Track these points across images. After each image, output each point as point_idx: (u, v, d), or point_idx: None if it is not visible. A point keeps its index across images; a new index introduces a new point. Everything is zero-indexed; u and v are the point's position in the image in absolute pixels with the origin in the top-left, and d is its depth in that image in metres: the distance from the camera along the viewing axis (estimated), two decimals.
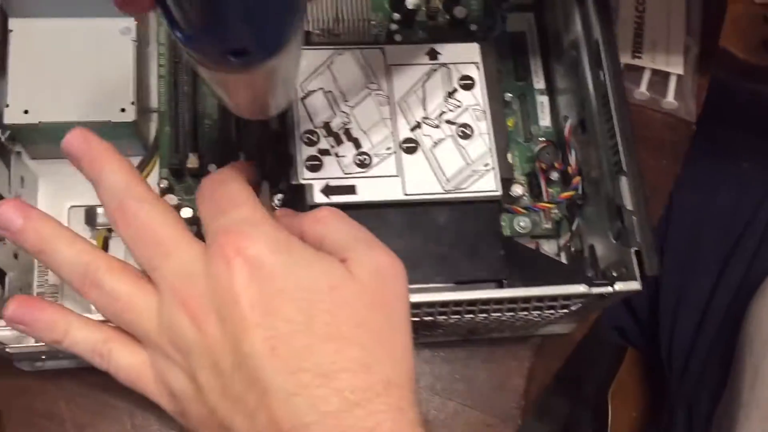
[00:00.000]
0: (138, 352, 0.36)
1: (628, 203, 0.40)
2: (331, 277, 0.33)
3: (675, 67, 0.53)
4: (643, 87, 0.53)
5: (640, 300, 0.68)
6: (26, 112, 0.42)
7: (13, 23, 0.43)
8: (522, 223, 0.46)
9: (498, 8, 0.50)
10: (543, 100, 0.50)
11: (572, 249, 0.46)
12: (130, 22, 0.44)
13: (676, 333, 0.67)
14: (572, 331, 0.48)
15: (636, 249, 0.39)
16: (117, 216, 0.35)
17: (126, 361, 0.36)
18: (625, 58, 0.53)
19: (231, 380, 0.32)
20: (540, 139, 0.49)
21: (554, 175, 0.47)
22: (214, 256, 0.32)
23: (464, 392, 0.46)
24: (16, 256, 0.41)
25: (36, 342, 0.39)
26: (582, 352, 0.67)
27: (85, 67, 0.43)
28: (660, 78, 0.53)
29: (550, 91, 0.50)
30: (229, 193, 0.35)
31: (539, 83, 0.50)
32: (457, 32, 0.49)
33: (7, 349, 0.39)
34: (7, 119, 0.41)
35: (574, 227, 0.46)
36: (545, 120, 0.50)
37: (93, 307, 0.40)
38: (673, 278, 0.65)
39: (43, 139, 0.43)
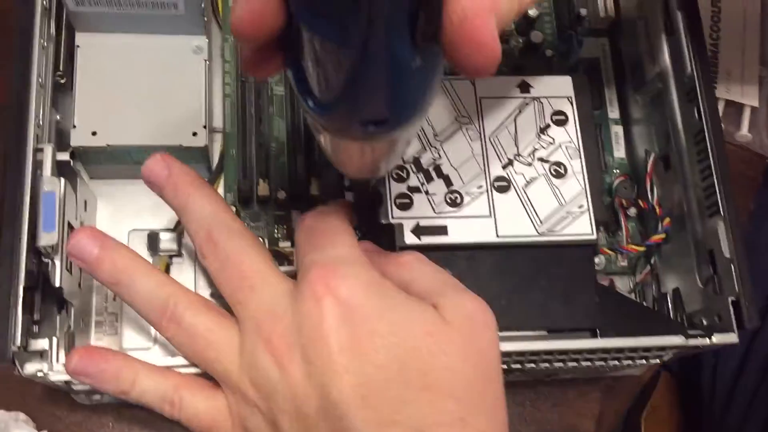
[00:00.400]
0: (213, 396, 0.34)
1: (726, 250, 0.38)
2: (426, 323, 0.31)
3: (750, 98, 0.52)
4: None
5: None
6: (94, 133, 0.39)
7: (81, 38, 0.41)
8: (597, 259, 0.45)
9: (574, 32, 0.48)
10: (617, 130, 0.48)
11: (653, 291, 0.44)
12: (202, 41, 0.42)
13: (721, 360, 0.65)
14: (642, 373, 0.46)
15: (733, 299, 0.38)
16: (205, 247, 0.34)
17: (200, 407, 0.34)
18: None
19: (315, 428, 0.30)
20: (615, 171, 0.47)
21: (632, 211, 0.45)
22: (304, 293, 0.31)
23: None
24: (80, 285, 0.39)
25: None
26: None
27: (155, 87, 0.41)
28: (734, 109, 0.52)
29: (625, 121, 0.48)
30: (328, 229, 0.33)
31: (613, 112, 0.49)
32: (533, 58, 0.47)
33: (74, 386, 0.37)
34: (74, 141, 0.39)
35: (650, 265, 0.45)
36: (620, 151, 0.48)
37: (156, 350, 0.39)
38: None
39: (109, 161, 0.41)
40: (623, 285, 0.46)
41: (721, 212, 0.39)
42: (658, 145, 0.45)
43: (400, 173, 0.37)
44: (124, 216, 0.43)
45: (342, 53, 0.22)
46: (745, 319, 0.37)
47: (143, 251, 0.42)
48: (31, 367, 0.33)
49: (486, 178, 0.38)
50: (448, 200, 0.37)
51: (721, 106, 0.52)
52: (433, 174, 0.37)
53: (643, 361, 0.38)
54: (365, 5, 0.20)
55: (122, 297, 0.35)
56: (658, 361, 0.38)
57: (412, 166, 0.37)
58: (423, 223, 0.36)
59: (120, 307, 0.42)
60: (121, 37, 0.41)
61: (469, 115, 0.38)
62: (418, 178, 0.37)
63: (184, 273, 0.42)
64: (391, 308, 0.31)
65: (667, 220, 0.42)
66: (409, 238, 0.36)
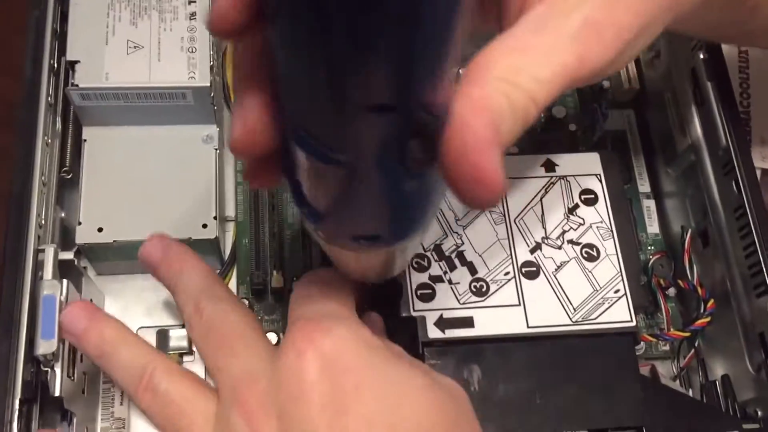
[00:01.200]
0: None
1: None
2: (416, 379, 0.29)
3: None
4: None
5: None
6: (100, 230, 0.38)
7: (87, 132, 0.39)
8: (637, 345, 0.42)
9: (597, 106, 0.46)
10: (650, 205, 0.46)
11: (700, 378, 0.41)
12: (213, 130, 0.40)
13: None
14: None
15: None
16: (192, 318, 0.33)
17: None
18: None
19: None
20: (650, 248, 0.44)
21: (671, 291, 0.43)
22: (286, 348, 0.29)
23: None
24: (83, 392, 0.37)
25: None
26: None
27: (164, 179, 0.39)
28: None
29: (657, 194, 0.46)
30: (325, 286, 0.32)
31: (644, 186, 0.46)
32: (556, 134, 0.46)
33: None
34: (79, 239, 0.37)
35: (694, 349, 0.41)
36: (653, 227, 0.45)
37: None
38: None
39: (116, 257, 0.39)
40: (666, 371, 0.42)
41: None
42: (694, 219, 0.42)
43: (421, 262, 0.35)
44: (133, 313, 0.41)
45: (330, 173, 0.21)
46: None
47: None
48: None
49: (513, 264, 0.35)
50: (473, 289, 0.35)
51: (757, 176, 0.49)
52: (456, 261, 0.35)
53: None
54: (353, 135, 0.19)
55: (105, 369, 0.33)
56: None
57: (434, 254, 0.35)
58: (447, 315, 0.34)
59: (127, 411, 0.39)
60: (129, 129, 0.40)
61: None
62: (440, 266, 0.35)
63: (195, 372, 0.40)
64: (378, 364, 0.29)
65: (711, 302, 0.39)
66: (433, 332, 0.34)
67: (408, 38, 0.16)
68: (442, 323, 0.34)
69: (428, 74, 0.18)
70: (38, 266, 0.34)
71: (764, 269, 0.36)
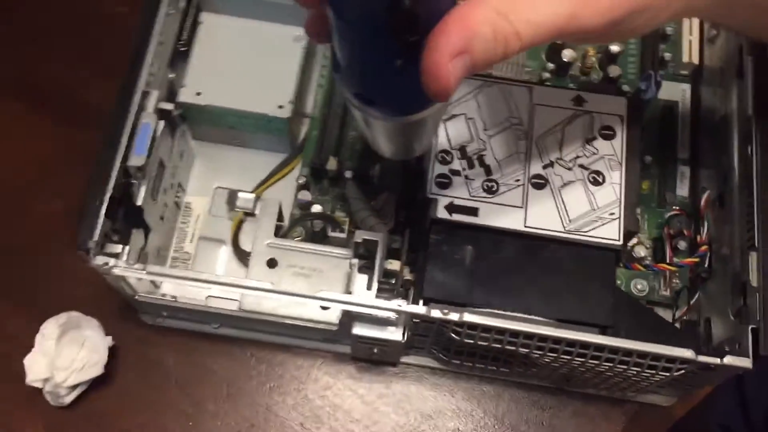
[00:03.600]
0: None
1: (754, 279, 0.39)
2: None
3: None
4: None
5: (757, 399, 0.64)
6: (198, 94, 0.46)
7: (204, 16, 0.48)
8: (639, 285, 0.46)
9: (655, 73, 0.50)
10: (684, 170, 0.49)
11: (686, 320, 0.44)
12: (303, 31, 0.48)
13: None
14: (672, 405, 0.46)
15: (753, 327, 0.38)
16: None
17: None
18: None
19: None
20: (674, 207, 0.48)
21: (682, 245, 0.46)
22: None
23: None
24: (162, 218, 0.45)
25: (162, 295, 0.43)
26: None
27: (256, 64, 0.47)
28: None
29: (693, 162, 0.49)
30: None
31: (683, 153, 0.50)
32: (608, 90, 0.50)
33: (137, 297, 0.42)
34: (181, 98, 0.46)
35: (693, 300, 0.45)
36: (683, 190, 0.49)
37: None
38: None
39: (207, 121, 0.48)
40: (664, 316, 0.46)
41: (756, 245, 0.39)
42: (718, 185, 0.46)
43: (446, 157, 0.41)
44: (215, 175, 0.50)
45: (343, 30, 0.27)
46: (761, 346, 0.37)
47: (222, 205, 0.48)
48: (100, 260, 0.38)
49: (525, 174, 0.41)
50: (485, 187, 0.40)
51: None
52: (476, 162, 0.41)
53: (652, 372, 0.38)
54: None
55: None
56: (667, 374, 0.38)
57: (458, 152, 0.41)
58: (457, 202, 0.40)
59: (195, 249, 0.48)
60: (236, 20, 0.48)
61: (520, 117, 0.42)
62: (460, 163, 0.41)
63: (253, 228, 0.47)
64: None
65: (704, 247, 0.43)
66: (441, 213, 0.40)
67: None
68: (451, 208, 0.40)
69: None
70: (143, 104, 0.42)
71: (755, 226, 0.40)
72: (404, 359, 0.46)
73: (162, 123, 0.43)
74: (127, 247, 0.40)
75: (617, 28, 0.30)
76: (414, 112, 0.31)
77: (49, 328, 0.44)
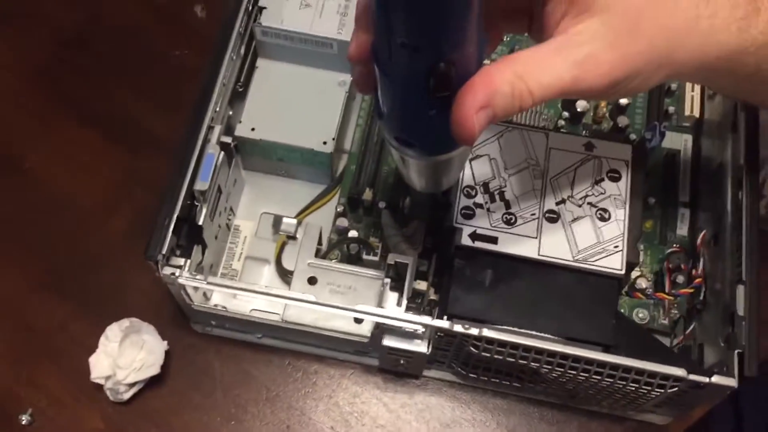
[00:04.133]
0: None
1: (741, 309, 0.44)
2: None
3: None
4: None
5: (752, 419, 0.68)
6: (253, 129, 0.52)
7: (260, 62, 0.55)
8: (641, 314, 0.51)
9: (659, 124, 0.56)
10: (684, 212, 0.55)
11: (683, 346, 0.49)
12: (347, 78, 0.54)
13: None
14: (668, 424, 0.50)
15: (739, 351, 0.43)
16: None
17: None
18: None
19: None
20: (674, 245, 0.53)
21: (680, 279, 0.51)
22: None
23: None
24: (216, 237, 0.51)
25: (213, 305, 0.48)
26: None
27: (304, 106, 0.53)
28: None
29: (692, 205, 0.55)
30: None
31: (684, 196, 0.55)
32: (616, 138, 0.56)
33: (193, 306, 0.48)
34: (238, 132, 0.52)
35: (690, 329, 0.50)
36: (683, 229, 0.54)
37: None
38: None
39: (258, 153, 0.54)
40: (664, 343, 0.51)
41: (744, 278, 0.44)
42: (713, 225, 0.51)
43: (470, 191, 0.46)
44: (262, 202, 0.56)
45: (386, 82, 0.33)
46: (745, 368, 0.42)
47: (268, 229, 0.54)
48: (167, 270, 0.44)
49: (539, 209, 0.46)
50: (504, 219, 0.46)
51: None
52: (497, 197, 0.46)
53: (648, 388, 0.43)
54: (395, 58, 0.31)
55: None
56: (662, 391, 0.43)
57: (481, 188, 0.47)
58: (479, 231, 0.45)
59: (242, 267, 0.54)
60: (288, 66, 0.55)
61: (537, 159, 0.47)
62: (483, 198, 0.46)
63: (295, 250, 0.53)
64: None
65: (699, 279, 0.48)
66: (465, 240, 0.45)
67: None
68: (475, 236, 0.45)
69: (447, 34, 0.30)
70: (207, 137, 0.48)
71: (743, 262, 0.45)
72: (426, 373, 0.52)
73: (222, 154, 0.49)
74: (189, 261, 0.46)
75: (615, 89, 0.36)
76: (443, 153, 0.37)
77: (113, 331, 0.50)
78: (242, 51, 0.53)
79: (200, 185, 0.46)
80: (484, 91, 0.33)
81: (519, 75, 0.34)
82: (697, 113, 0.57)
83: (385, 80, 0.33)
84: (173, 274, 0.44)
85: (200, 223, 0.47)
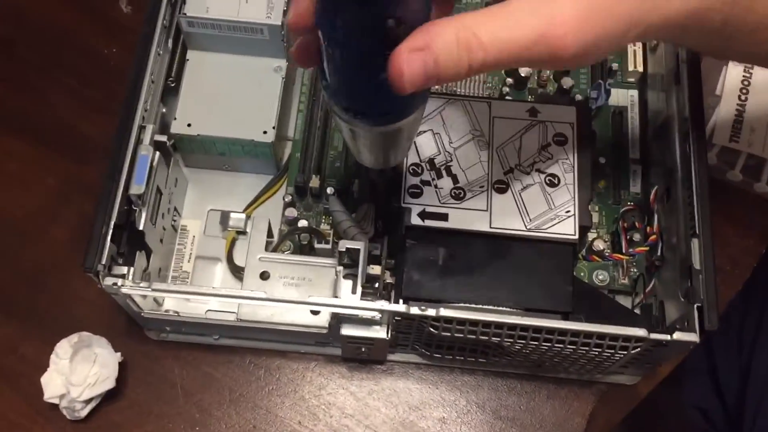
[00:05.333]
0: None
1: (697, 263, 0.43)
2: None
3: None
4: (738, 169, 0.56)
5: (729, 381, 0.68)
6: (189, 125, 0.50)
7: (191, 54, 0.53)
8: (601, 276, 0.50)
9: (604, 82, 0.55)
10: (636, 169, 0.54)
11: (645, 304, 0.49)
12: (282, 63, 0.52)
13: (759, 423, 0.66)
14: (636, 383, 0.50)
15: (698, 305, 0.42)
16: None
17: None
18: (723, 141, 0.56)
19: None
20: (628, 203, 0.53)
21: (637, 237, 0.51)
22: None
23: (527, 422, 0.49)
24: (161, 241, 0.49)
25: (165, 311, 0.47)
26: (658, 424, 0.68)
27: (240, 96, 0.52)
28: (755, 162, 0.56)
29: (644, 161, 0.54)
30: None
31: (634, 153, 0.55)
32: (562, 100, 0.55)
33: (143, 314, 0.46)
34: (173, 129, 0.50)
35: (649, 287, 0.50)
36: (636, 187, 0.54)
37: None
38: (764, 360, 0.65)
39: (198, 149, 0.52)
40: (625, 303, 0.51)
41: (697, 232, 0.44)
42: (664, 180, 0.51)
43: (416, 169, 0.45)
44: (207, 198, 0.54)
45: (333, 49, 0.32)
46: (705, 322, 0.42)
47: (216, 226, 0.52)
48: (109, 281, 0.42)
49: (488, 180, 0.45)
50: (453, 194, 0.45)
51: (742, 159, 0.56)
52: (444, 172, 0.45)
53: (611, 351, 0.43)
54: (343, 19, 0.30)
55: None
56: (624, 353, 0.43)
57: (427, 164, 0.45)
58: (428, 209, 0.44)
59: (192, 267, 0.52)
60: (220, 56, 0.53)
61: (482, 129, 0.46)
62: (430, 174, 0.45)
63: (245, 246, 0.51)
64: None
65: (654, 236, 0.47)
66: (415, 220, 0.44)
67: None
68: (424, 215, 0.44)
69: None
70: (140, 138, 0.46)
71: (695, 216, 0.45)
72: (390, 357, 0.51)
73: (158, 154, 0.47)
74: (132, 269, 0.44)
75: (584, 52, 0.32)
76: (393, 123, 0.35)
77: (63, 348, 0.48)
78: (170, 45, 0.51)
79: (136, 189, 0.45)
80: (421, 34, 0.31)
81: (468, 26, 0.31)
82: (640, 68, 0.56)
83: (330, 46, 0.32)
84: (115, 284, 0.42)
85: (141, 228, 0.45)
